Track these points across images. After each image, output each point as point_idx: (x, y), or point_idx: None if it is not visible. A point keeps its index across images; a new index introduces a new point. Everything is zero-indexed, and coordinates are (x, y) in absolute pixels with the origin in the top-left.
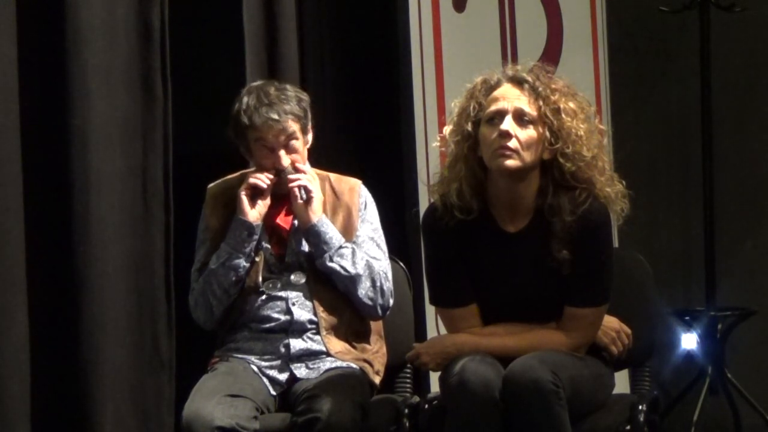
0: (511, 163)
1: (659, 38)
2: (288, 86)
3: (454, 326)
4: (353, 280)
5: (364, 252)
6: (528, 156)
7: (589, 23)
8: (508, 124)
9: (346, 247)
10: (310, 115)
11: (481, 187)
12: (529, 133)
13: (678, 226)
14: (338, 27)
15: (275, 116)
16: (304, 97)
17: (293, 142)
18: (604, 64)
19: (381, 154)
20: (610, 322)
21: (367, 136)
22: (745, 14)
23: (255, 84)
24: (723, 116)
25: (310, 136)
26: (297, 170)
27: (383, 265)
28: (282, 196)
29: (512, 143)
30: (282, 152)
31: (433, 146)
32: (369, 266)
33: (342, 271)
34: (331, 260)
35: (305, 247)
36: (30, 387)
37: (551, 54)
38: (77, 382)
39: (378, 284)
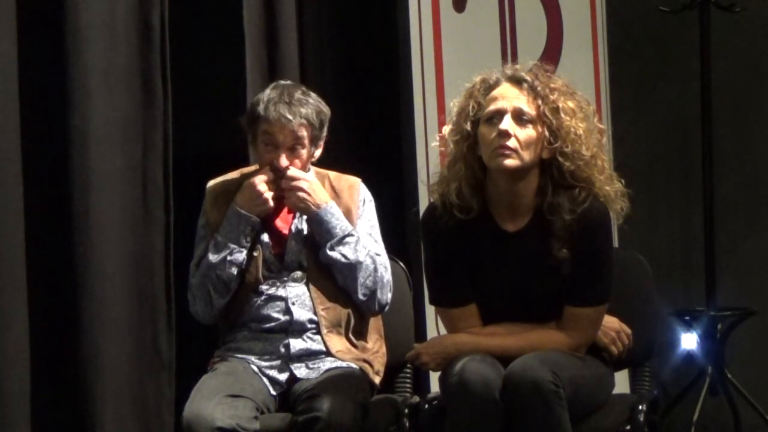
0: (510, 162)
1: (659, 38)
2: (313, 95)
3: (453, 326)
4: (353, 267)
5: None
6: (527, 155)
7: (589, 23)
8: (507, 123)
9: (351, 235)
10: (326, 130)
11: (481, 186)
12: (528, 132)
13: (678, 226)
14: (338, 27)
15: (289, 115)
16: (326, 110)
17: (299, 147)
18: (604, 64)
19: (381, 154)
20: (610, 322)
21: (367, 136)
22: (745, 14)
23: (283, 82)
24: (723, 116)
25: (318, 151)
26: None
27: (383, 260)
28: (282, 197)
29: (511, 142)
30: (284, 153)
31: (432, 146)
32: (372, 257)
33: (342, 259)
34: (332, 249)
35: (303, 247)
36: (30, 387)
37: (551, 54)
38: (77, 382)
39: (379, 274)
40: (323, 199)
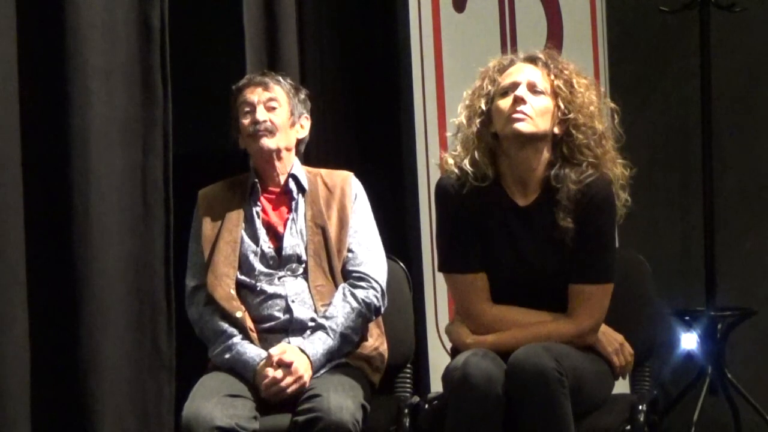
0: (524, 126)
1: (659, 38)
2: (290, 79)
3: (462, 297)
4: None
5: (346, 317)
6: (541, 123)
7: (589, 23)
8: (522, 91)
9: (329, 333)
10: (302, 109)
11: (494, 161)
12: (542, 101)
13: (678, 226)
14: (338, 27)
15: (261, 79)
16: (302, 93)
17: (275, 105)
18: (604, 64)
19: (381, 154)
20: (615, 334)
21: (367, 136)
22: (745, 14)
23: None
24: (723, 116)
25: (301, 132)
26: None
27: (373, 269)
28: (276, 191)
29: (526, 108)
30: (260, 107)
31: (433, 143)
32: (360, 315)
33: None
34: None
35: (301, 241)
36: (30, 387)
37: None
38: (77, 382)
39: (369, 317)
40: (305, 368)
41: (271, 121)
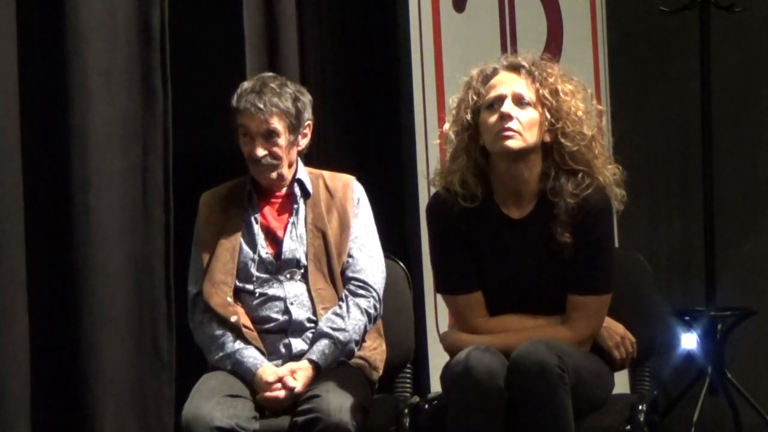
0: (513, 143)
1: (659, 38)
2: (291, 84)
3: (460, 314)
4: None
5: (354, 320)
6: (530, 136)
7: (589, 23)
8: (508, 106)
9: (336, 343)
10: (306, 118)
11: (484, 176)
12: (528, 114)
13: (678, 226)
14: (338, 27)
15: (260, 105)
16: (304, 98)
17: (274, 137)
18: (604, 64)
19: (381, 154)
20: (616, 326)
21: (367, 136)
22: (745, 14)
23: (264, 74)
24: (723, 116)
25: (303, 141)
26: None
27: (373, 277)
28: (281, 195)
29: (513, 124)
30: (259, 142)
31: (434, 143)
32: (360, 326)
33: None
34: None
35: (300, 246)
36: (30, 387)
37: (551, 54)
38: (77, 381)
39: (370, 325)
40: (303, 383)
41: (270, 154)
